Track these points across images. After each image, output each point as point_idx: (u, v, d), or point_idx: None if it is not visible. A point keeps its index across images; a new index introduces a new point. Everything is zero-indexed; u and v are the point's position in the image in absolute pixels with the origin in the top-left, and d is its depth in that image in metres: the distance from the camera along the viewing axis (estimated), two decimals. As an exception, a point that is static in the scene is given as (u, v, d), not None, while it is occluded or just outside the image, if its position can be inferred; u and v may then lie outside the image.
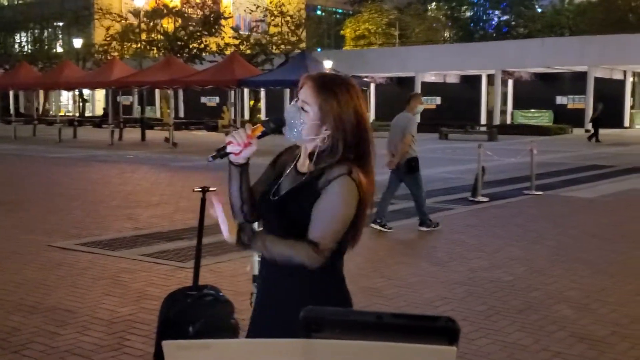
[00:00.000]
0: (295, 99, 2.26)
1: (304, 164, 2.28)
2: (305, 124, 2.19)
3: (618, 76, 38.67)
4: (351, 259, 7.51)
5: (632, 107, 39.52)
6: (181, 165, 17.86)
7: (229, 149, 2.24)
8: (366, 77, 36.94)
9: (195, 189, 4.30)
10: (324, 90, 2.18)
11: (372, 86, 34.99)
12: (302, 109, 2.20)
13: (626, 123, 37.93)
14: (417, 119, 9.15)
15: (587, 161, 18.96)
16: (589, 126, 30.45)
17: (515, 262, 7.23)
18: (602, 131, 27.88)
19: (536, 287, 6.28)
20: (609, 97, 36.60)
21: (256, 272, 4.30)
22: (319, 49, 46.48)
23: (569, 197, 12.18)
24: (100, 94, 48.18)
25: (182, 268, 6.87)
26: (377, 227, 8.64)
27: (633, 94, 40.23)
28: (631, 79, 39.54)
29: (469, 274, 6.71)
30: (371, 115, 31.47)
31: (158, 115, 43.17)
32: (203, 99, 45.14)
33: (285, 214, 2.21)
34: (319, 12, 62.92)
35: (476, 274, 6.71)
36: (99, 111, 48.41)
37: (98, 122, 38.64)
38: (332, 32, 58.87)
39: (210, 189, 4.29)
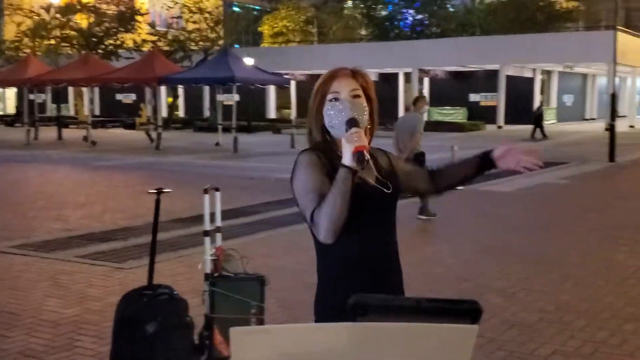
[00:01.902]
0: (352, 92, 2.28)
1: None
2: (366, 111, 2.30)
3: (528, 74, 40.26)
4: (287, 255, 7.72)
5: (541, 104, 41.20)
6: (103, 164, 17.58)
7: (365, 154, 2.08)
8: (286, 74, 37.12)
9: (150, 191, 4.37)
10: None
11: (293, 83, 35.16)
12: (363, 97, 2.31)
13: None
14: (425, 117, 9.83)
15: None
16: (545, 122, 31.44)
17: (444, 255, 7.58)
18: (512, 127, 29.02)
19: (466, 278, 6.61)
20: (520, 95, 38.14)
21: (208, 270, 4.42)
22: (237, 46, 46.38)
23: (489, 191, 12.71)
24: (10, 92, 46.45)
25: (121, 269, 6.88)
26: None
27: (542, 92, 41.96)
28: (540, 76, 41.21)
29: (405, 268, 6.98)
30: (293, 112, 31.63)
31: (72, 113, 42.05)
32: (119, 96, 44.23)
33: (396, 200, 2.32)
34: (236, 9, 62.66)
35: (410, 268, 6.97)
36: (10, 110, 46.76)
37: (10, 121, 37.35)
38: (250, 29, 58.72)
39: (165, 190, 4.36)
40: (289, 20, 54.57)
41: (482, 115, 37.19)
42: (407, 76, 41.44)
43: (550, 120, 39.50)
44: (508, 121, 36.35)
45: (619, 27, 31.60)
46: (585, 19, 56.78)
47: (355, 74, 2.35)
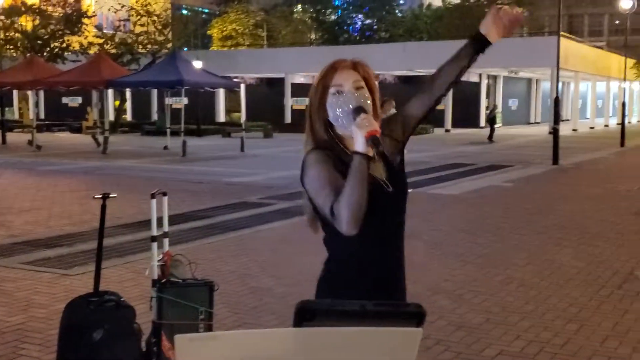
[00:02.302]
0: (354, 83, 2.24)
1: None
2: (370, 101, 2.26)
3: (474, 79, 40.93)
4: (236, 260, 7.68)
5: (487, 108, 41.93)
6: (48, 168, 17.22)
7: (379, 138, 2.05)
8: (236, 77, 36.95)
9: (96, 196, 4.30)
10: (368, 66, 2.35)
11: (243, 87, 35.03)
12: (366, 88, 2.27)
13: (482, 123, 40.21)
14: None
15: (449, 160, 20.01)
16: (485, 125, 31.95)
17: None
18: (459, 131, 29.45)
19: (414, 280, 6.65)
20: (467, 99, 38.75)
21: (155, 276, 4.37)
22: (185, 49, 45.98)
23: (437, 194, 12.89)
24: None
25: (67, 275, 6.76)
26: None
27: (488, 96, 42.73)
28: (486, 81, 41.97)
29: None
30: (243, 116, 31.49)
31: (17, 116, 41.08)
32: (65, 100, 43.41)
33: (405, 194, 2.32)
34: (185, 12, 62.16)
35: (359, 270, 7.04)
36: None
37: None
38: (199, 32, 58.30)
39: (111, 195, 4.30)
40: (239, 24, 54.40)
41: (430, 119, 37.63)
42: (357, 80, 41.67)
43: (496, 125, 40.23)
44: (456, 125, 36.92)
45: (562, 33, 32.37)
46: (529, 25, 58.00)
47: (356, 65, 2.31)
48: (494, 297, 6.13)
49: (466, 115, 38.51)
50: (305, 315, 1.15)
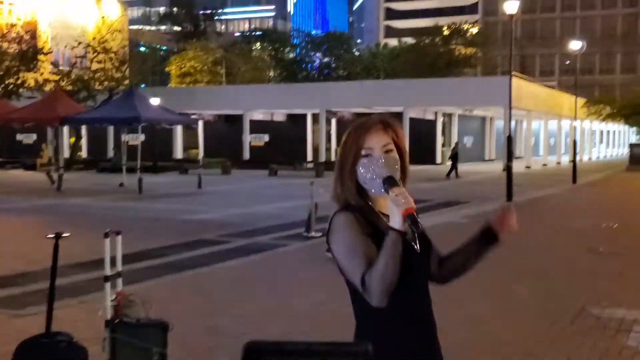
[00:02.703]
0: (384, 147, 2.21)
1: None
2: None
3: (430, 117, 41.60)
4: (192, 299, 7.59)
5: (443, 145, 42.60)
6: (0, 207, 16.87)
7: (416, 216, 2.02)
8: (194, 114, 36.89)
9: (48, 236, 4.24)
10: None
11: (201, 123, 35.02)
12: (395, 151, 2.24)
13: (438, 160, 40.78)
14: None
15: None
16: (449, 163, 32.32)
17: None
18: (416, 167, 29.66)
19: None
20: (423, 136, 39.31)
21: (108, 316, 4.31)
22: (143, 85, 45.84)
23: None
24: None
25: (19, 315, 6.60)
26: None
27: (444, 133, 43.41)
28: (441, 119, 42.66)
29: (309, 308, 7.03)
30: (200, 152, 31.43)
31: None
32: (19, 137, 42.80)
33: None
34: (143, 49, 62.08)
35: (316, 308, 7.04)
36: None
37: None
38: (157, 69, 58.23)
39: (64, 234, 4.25)
40: (197, 61, 54.53)
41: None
42: (316, 117, 42.02)
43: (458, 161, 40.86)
44: (412, 162, 37.10)
45: (515, 73, 33.20)
46: (483, 64, 59.41)
47: (387, 127, 2.26)
48: (449, 334, 6.14)
49: (423, 152, 38.97)
50: (252, 356, 1.16)
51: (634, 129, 57.96)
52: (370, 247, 2.07)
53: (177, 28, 66.17)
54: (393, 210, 2.02)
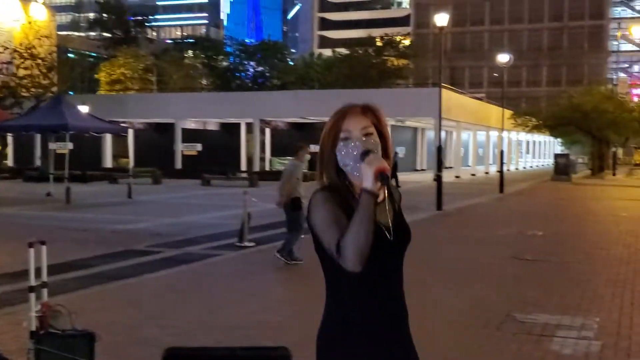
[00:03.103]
0: (363, 129, 2.25)
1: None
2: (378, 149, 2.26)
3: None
4: (120, 310, 7.46)
5: (396, 153, 42.97)
6: None
7: (386, 173, 2.07)
8: (124, 122, 36.26)
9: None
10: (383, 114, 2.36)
11: (131, 132, 34.43)
12: (375, 134, 2.28)
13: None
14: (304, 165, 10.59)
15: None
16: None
17: (283, 304, 7.67)
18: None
19: (302, 328, 6.71)
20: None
21: (33, 328, 4.20)
22: (71, 92, 44.80)
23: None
24: None
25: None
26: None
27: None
28: (375, 129, 43.11)
29: (241, 318, 6.99)
30: (131, 161, 30.85)
31: None
32: (-60, 144, 41.16)
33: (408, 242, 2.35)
34: (71, 55, 60.66)
35: (248, 317, 7.01)
36: None
37: None
38: (86, 76, 56.98)
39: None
40: (127, 68, 53.60)
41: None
42: (249, 126, 41.88)
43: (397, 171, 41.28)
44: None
45: (444, 85, 33.88)
46: (415, 76, 60.44)
47: (366, 111, 2.31)
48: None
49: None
50: (174, 362, 1.16)
51: (559, 140, 59.97)
52: (345, 220, 2.12)
53: (107, 34, 64.88)
54: (366, 170, 2.07)
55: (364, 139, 2.23)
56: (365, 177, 2.08)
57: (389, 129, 2.37)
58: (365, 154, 2.15)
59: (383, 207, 2.24)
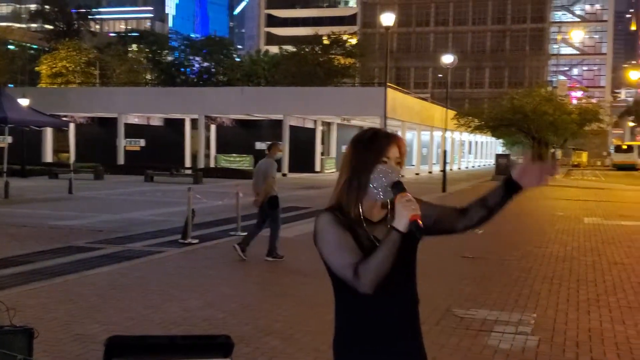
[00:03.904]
0: (396, 159, 2.37)
1: (373, 213, 2.38)
2: None
3: (310, 125, 42.12)
4: (60, 306, 7.34)
5: (322, 154, 43.22)
6: None
7: (420, 224, 2.21)
8: (65, 116, 35.54)
9: None
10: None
11: (72, 126, 33.80)
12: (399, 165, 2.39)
13: (317, 168, 41.32)
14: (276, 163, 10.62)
15: (285, 203, 20.30)
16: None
17: (227, 300, 7.65)
18: (296, 175, 30.01)
19: (246, 322, 6.72)
20: (303, 144, 39.74)
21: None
22: (11, 85, 43.68)
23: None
24: None
25: None
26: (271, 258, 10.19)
27: (323, 142, 44.05)
28: (321, 127, 43.30)
29: (184, 314, 6.96)
30: (72, 156, 30.26)
31: None
32: None
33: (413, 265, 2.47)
34: (11, 47, 59.09)
35: (191, 313, 6.99)
36: None
37: None
38: (26, 68, 55.61)
39: None
40: (70, 61, 52.54)
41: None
42: (194, 122, 41.51)
43: (330, 170, 41.50)
44: (292, 169, 37.61)
45: (390, 84, 34.26)
46: (361, 75, 60.83)
47: (399, 143, 2.43)
48: (323, 336, 6.28)
49: (302, 160, 39.41)
50: (114, 351, 1.18)
51: (500, 140, 61.18)
52: (353, 243, 2.27)
53: (48, 26, 63.47)
54: (401, 212, 2.20)
55: (395, 167, 2.36)
56: (400, 217, 2.20)
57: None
58: (396, 185, 2.27)
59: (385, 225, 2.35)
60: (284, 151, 37.40)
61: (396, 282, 2.35)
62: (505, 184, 2.39)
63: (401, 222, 2.19)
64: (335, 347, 2.48)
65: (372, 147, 2.36)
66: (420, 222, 2.20)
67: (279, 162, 10.84)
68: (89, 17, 66.59)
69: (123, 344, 1.19)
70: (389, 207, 2.35)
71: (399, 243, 2.19)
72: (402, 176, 2.36)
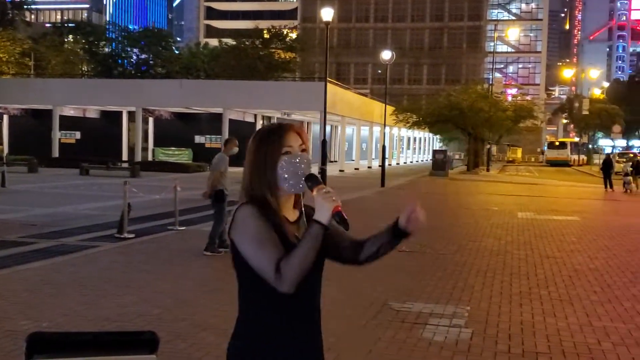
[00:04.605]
0: (300, 146, 2.30)
1: (289, 212, 2.31)
2: None
3: (250, 119, 41.94)
4: (4, 300, 7.10)
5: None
6: None
7: (344, 214, 2.15)
8: (-2, 108, 34.50)
9: None
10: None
11: (6, 118, 32.81)
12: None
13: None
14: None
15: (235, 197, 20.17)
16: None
17: (163, 295, 7.56)
18: (235, 169, 29.71)
19: (183, 318, 6.66)
20: (243, 139, 39.42)
21: None
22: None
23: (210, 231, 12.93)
24: None
25: None
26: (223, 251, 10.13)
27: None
28: (261, 121, 43.16)
29: (118, 310, 6.85)
30: (5, 149, 29.39)
31: None
32: None
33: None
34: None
35: (125, 309, 6.88)
36: None
37: None
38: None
39: None
40: (3, 52, 50.90)
41: (207, 156, 37.73)
42: (132, 115, 40.82)
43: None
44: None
45: (330, 80, 34.37)
46: (301, 70, 60.86)
47: (300, 130, 2.36)
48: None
49: (242, 154, 39.05)
50: (36, 348, 1.15)
51: (438, 136, 62.16)
52: (276, 239, 2.16)
53: (-20, 15, 61.35)
54: (322, 205, 2.13)
55: (301, 154, 2.29)
56: (321, 209, 2.14)
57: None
58: (310, 178, 2.22)
59: (302, 223, 2.32)
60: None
61: (307, 286, 2.29)
62: (393, 226, 2.38)
63: (323, 215, 2.13)
64: (232, 350, 2.36)
65: (271, 140, 2.31)
66: (344, 214, 2.14)
67: (232, 157, 10.86)
68: (25, 6, 64.60)
69: (45, 341, 1.17)
70: (301, 203, 2.33)
71: (322, 237, 2.12)
72: (311, 161, 2.33)
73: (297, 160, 2.25)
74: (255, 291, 2.24)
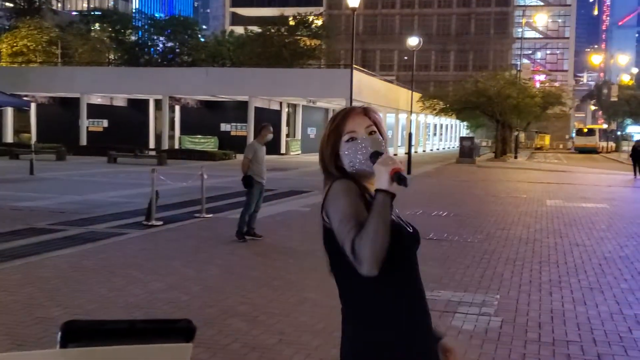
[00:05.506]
0: (367, 128, 2.21)
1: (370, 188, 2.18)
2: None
3: (275, 107, 41.92)
4: (21, 289, 7.23)
5: (287, 136, 43.08)
6: None
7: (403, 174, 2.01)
8: (26, 96, 34.83)
9: None
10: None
11: (33, 106, 33.12)
12: (378, 133, 2.23)
13: (283, 150, 41.21)
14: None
15: (250, 185, 20.21)
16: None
17: (191, 282, 7.60)
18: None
19: (210, 305, 6.68)
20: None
21: None
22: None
23: (236, 219, 12.96)
24: None
25: None
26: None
27: (288, 124, 43.90)
28: (286, 109, 43.14)
29: (147, 297, 6.89)
30: (33, 137, 29.71)
31: None
32: None
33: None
34: (-30, 24, 57.67)
35: (154, 296, 6.92)
36: None
37: None
38: (-15, 47, 54.25)
39: None
40: (31, 40, 51.41)
41: (232, 144, 37.93)
42: (158, 103, 41.03)
43: (295, 151, 41.43)
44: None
45: (356, 66, 34.22)
46: (327, 57, 60.64)
47: (367, 112, 2.27)
48: (288, 318, 6.29)
49: (270, 141, 39.18)
50: (70, 336, 1.14)
51: (465, 123, 61.67)
52: (365, 214, 2.01)
53: (9, 4, 61.98)
54: (381, 171, 2.01)
55: (369, 137, 2.20)
56: (380, 177, 2.02)
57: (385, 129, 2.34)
58: (374, 155, 2.12)
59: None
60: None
61: (410, 284, 2.20)
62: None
63: (382, 180, 2.00)
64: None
65: (332, 126, 2.25)
66: (404, 172, 2.01)
67: (268, 144, 11.02)
68: (51, -5, 65.17)
69: (80, 329, 1.15)
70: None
71: (390, 204, 1.99)
72: (380, 141, 2.22)
73: (358, 145, 2.17)
74: (354, 283, 2.12)
